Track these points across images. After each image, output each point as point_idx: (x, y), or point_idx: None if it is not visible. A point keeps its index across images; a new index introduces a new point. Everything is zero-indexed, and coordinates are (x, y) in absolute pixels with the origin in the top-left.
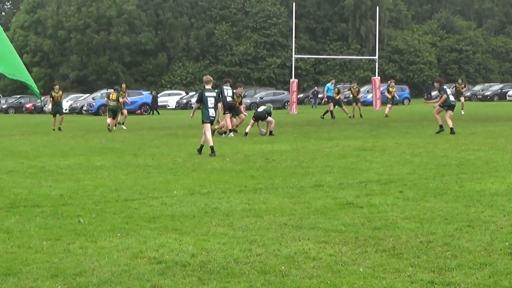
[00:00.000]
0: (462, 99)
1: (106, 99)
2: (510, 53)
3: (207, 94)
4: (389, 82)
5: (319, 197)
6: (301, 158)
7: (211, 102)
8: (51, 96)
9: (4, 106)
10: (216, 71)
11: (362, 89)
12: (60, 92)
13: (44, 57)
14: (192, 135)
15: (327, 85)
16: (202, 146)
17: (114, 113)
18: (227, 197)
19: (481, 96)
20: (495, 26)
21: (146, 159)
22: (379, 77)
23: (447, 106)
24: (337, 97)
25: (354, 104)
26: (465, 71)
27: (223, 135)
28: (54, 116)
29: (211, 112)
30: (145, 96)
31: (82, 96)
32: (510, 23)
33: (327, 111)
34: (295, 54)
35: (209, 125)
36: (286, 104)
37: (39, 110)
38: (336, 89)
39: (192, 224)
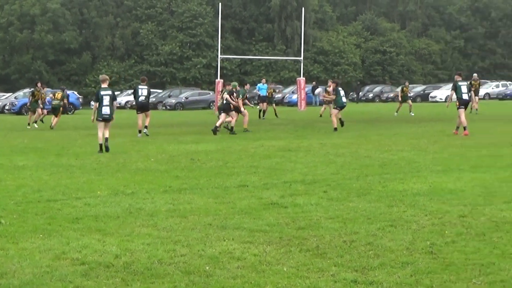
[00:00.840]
0: (409, 101)
1: (51, 95)
2: (432, 55)
3: (102, 92)
4: (405, 83)
5: (244, 197)
6: (226, 158)
7: (106, 100)
8: None
9: None
10: (142, 71)
11: (287, 90)
12: None
13: None
14: (116, 135)
15: (259, 85)
16: (100, 145)
17: (55, 111)
18: (152, 197)
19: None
20: (418, 28)
21: (69, 159)
22: (304, 78)
23: (339, 107)
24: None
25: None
26: (388, 72)
27: (229, 130)
28: None
29: (105, 110)
30: (69, 95)
31: (4, 95)
32: (433, 26)
33: (262, 111)
34: (220, 54)
35: (102, 123)
36: (211, 104)
37: None
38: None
39: (116, 224)
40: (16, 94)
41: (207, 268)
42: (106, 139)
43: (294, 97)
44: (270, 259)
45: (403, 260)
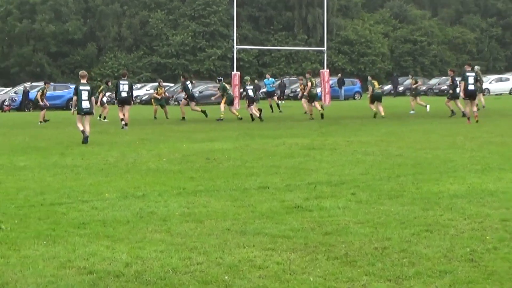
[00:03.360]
0: (418, 98)
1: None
2: (467, 44)
3: (81, 87)
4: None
5: (265, 200)
6: (245, 158)
7: (84, 95)
8: None
9: None
10: (151, 63)
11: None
12: None
13: None
14: (125, 133)
15: (265, 80)
16: (82, 131)
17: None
18: (164, 200)
19: (437, 90)
20: (451, 16)
21: (74, 159)
22: (327, 70)
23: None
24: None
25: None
26: (420, 63)
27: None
28: None
29: (84, 104)
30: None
31: (3, 90)
32: (467, 12)
33: (277, 105)
34: (236, 45)
35: (80, 117)
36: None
37: None
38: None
39: (126, 230)
40: (16, 88)
41: (226, 277)
42: (83, 131)
43: (318, 90)
44: (295, 267)
45: (441, 269)
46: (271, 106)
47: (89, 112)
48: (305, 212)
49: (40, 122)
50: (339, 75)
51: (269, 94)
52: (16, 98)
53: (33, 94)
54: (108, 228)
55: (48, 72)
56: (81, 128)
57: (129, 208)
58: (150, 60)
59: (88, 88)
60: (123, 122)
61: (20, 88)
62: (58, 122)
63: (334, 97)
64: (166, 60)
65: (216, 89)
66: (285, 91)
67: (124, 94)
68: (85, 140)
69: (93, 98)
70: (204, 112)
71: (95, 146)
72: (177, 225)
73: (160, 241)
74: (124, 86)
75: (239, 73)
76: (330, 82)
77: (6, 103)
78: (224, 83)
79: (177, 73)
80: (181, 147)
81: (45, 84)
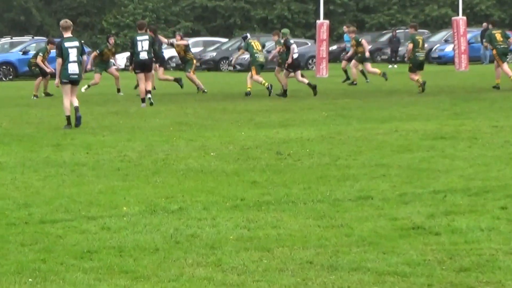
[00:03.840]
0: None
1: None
2: None
3: (67, 44)
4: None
5: (367, 217)
6: (335, 152)
7: (73, 54)
8: None
9: None
10: (194, 7)
11: (436, 37)
12: None
13: None
14: (155, 112)
15: (345, 35)
16: (67, 117)
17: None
18: (212, 217)
19: None
20: None
21: (76, 154)
22: (464, 17)
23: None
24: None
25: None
26: None
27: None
28: None
29: (72, 68)
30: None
31: None
32: None
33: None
34: None
35: (68, 86)
36: (310, 61)
37: None
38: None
39: (153, 262)
40: None
41: None
42: (77, 108)
43: (449, 49)
44: None
45: None
46: (362, 72)
47: (77, 80)
48: (428, 236)
49: (35, 96)
50: (484, 24)
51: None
52: None
53: (11, 55)
54: (126, 260)
55: (37, 21)
56: (68, 112)
57: (159, 228)
58: (193, 3)
59: (76, 43)
60: (149, 96)
61: None
62: (51, 99)
63: (474, 58)
64: (216, 2)
65: (240, 50)
66: (399, 49)
67: (144, 55)
68: (78, 120)
69: (83, 57)
70: (178, 80)
71: (108, 133)
72: (232, 256)
73: (205, 280)
74: (143, 43)
75: (327, 22)
76: (468, 36)
77: None
78: (250, 41)
79: (234, 23)
80: (239, 136)
81: (48, 44)
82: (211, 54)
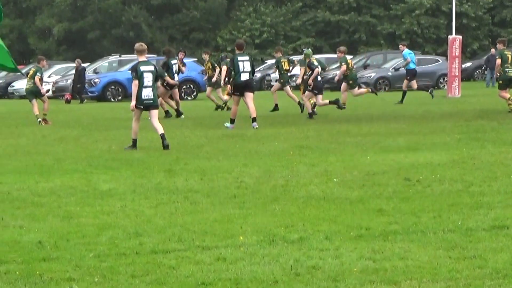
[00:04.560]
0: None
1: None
2: None
3: (142, 68)
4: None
5: (502, 248)
6: (468, 178)
7: (148, 79)
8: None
9: None
10: (316, 22)
11: None
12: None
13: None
14: (274, 135)
15: (404, 52)
16: (134, 140)
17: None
18: (335, 247)
19: None
20: None
21: (190, 179)
22: None
23: None
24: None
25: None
26: None
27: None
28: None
29: (146, 93)
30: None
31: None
32: None
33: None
34: None
35: (139, 112)
36: (441, 79)
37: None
38: None
39: None
40: (97, 64)
41: None
42: (163, 136)
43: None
44: None
45: None
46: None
47: (152, 105)
48: None
49: None
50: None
51: (411, 73)
52: (97, 80)
53: (120, 74)
54: None
55: (147, 38)
56: (135, 136)
57: (278, 259)
58: (314, 17)
59: (151, 68)
60: (254, 124)
61: (102, 64)
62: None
63: None
64: (339, 16)
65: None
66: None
67: (246, 76)
68: (165, 149)
69: (158, 83)
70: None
71: (223, 157)
72: None
73: None
74: (244, 64)
75: (460, 37)
76: None
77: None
78: (281, 56)
79: (358, 38)
80: (364, 160)
81: (39, 62)
82: (334, 72)
